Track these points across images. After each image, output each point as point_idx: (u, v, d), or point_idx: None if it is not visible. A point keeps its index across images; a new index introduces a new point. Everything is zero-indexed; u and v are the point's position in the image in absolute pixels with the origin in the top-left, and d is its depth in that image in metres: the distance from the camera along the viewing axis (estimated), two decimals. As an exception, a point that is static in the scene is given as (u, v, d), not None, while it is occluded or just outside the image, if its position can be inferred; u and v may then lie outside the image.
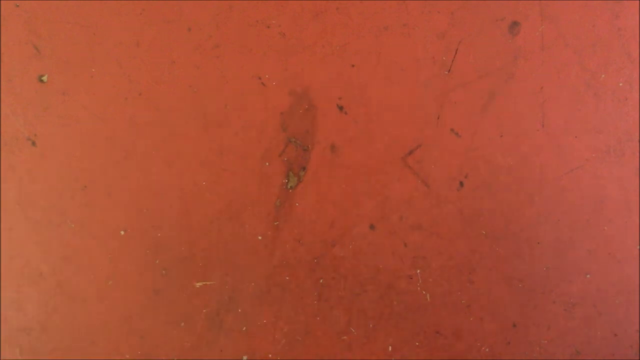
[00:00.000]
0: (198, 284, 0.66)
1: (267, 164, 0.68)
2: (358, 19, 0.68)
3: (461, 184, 0.68)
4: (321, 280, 0.67)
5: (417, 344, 0.68)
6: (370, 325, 0.67)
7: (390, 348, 0.67)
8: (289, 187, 0.68)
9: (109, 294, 0.65)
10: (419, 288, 0.68)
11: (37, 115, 0.65)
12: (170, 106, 0.67)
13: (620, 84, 0.68)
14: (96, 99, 0.66)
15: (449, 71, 0.68)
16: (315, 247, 0.67)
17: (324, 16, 0.68)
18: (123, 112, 0.66)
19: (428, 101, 0.68)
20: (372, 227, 0.67)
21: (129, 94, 0.66)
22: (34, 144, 0.65)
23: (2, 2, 0.65)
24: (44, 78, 0.65)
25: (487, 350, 0.68)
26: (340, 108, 0.68)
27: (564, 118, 0.68)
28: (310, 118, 0.68)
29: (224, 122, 0.67)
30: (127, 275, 0.65)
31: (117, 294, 0.65)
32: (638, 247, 0.68)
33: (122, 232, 0.66)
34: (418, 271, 0.68)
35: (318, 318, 0.67)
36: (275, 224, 0.67)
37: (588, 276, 0.68)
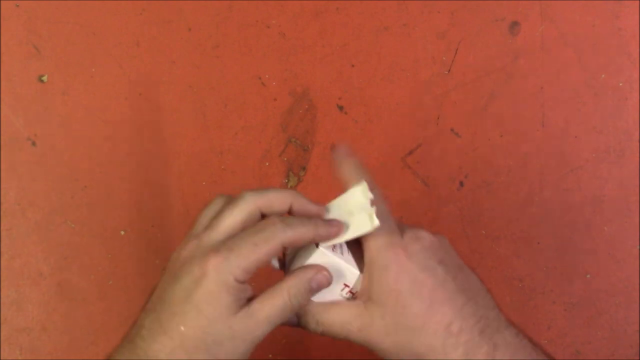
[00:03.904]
0: (198, 284, 0.66)
1: (267, 164, 0.68)
2: (358, 19, 0.68)
3: (461, 184, 0.68)
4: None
5: (417, 344, 0.67)
6: (370, 325, 0.67)
7: (390, 348, 0.67)
8: (289, 187, 0.68)
9: (109, 294, 0.65)
10: (419, 288, 0.68)
11: (37, 115, 0.65)
12: (170, 106, 0.67)
13: (620, 84, 0.68)
14: (96, 99, 0.66)
15: (448, 71, 0.68)
16: (315, 247, 0.67)
17: (324, 16, 0.68)
18: (123, 112, 0.66)
19: (428, 101, 0.68)
20: (372, 227, 0.67)
21: (129, 94, 0.66)
22: (34, 144, 0.65)
23: (2, 2, 0.65)
24: (44, 78, 0.65)
25: (487, 350, 0.68)
26: (340, 108, 0.68)
27: (564, 118, 0.68)
28: (310, 118, 0.68)
29: (224, 122, 0.67)
30: (127, 275, 0.65)
31: (117, 294, 0.65)
32: (638, 247, 0.68)
33: (122, 232, 0.66)
34: (418, 271, 0.68)
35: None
36: (275, 224, 0.66)
37: (588, 276, 0.68)
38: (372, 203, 0.41)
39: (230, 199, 0.41)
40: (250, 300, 0.39)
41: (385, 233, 0.41)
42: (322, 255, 0.41)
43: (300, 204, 0.41)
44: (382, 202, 0.42)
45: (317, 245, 0.41)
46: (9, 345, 0.63)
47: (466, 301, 0.40)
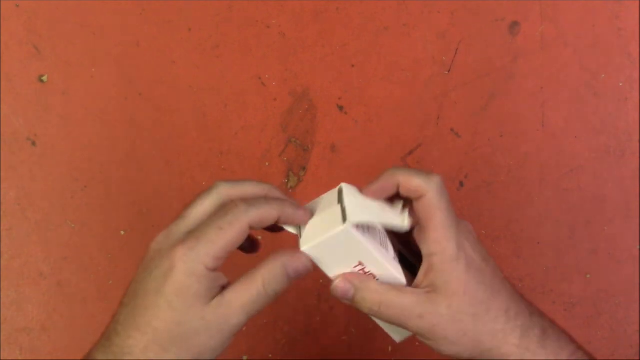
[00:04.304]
0: (198, 284, 0.66)
1: (267, 164, 0.68)
2: (358, 19, 0.68)
3: (461, 184, 0.68)
4: (321, 280, 0.67)
5: (417, 344, 0.67)
6: (370, 326, 0.67)
7: (390, 348, 0.67)
8: (289, 187, 0.68)
9: (109, 294, 0.65)
10: (419, 288, 0.68)
11: (37, 115, 0.65)
12: (170, 106, 0.67)
13: (620, 84, 0.68)
14: (96, 99, 0.66)
15: (448, 71, 0.68)
16: (315, 247, 0.67)
17: (324, 16, 0.68)
18: (123, 112, 0.66)
19: (428, 101, 0.68)
20: (372, 227, 0.67)
21: (129, 94, 0.66)
22: (34, 144, 0.65)
23: (2, 2, 0.65)
24: (44, 78, 0.65)
25: (487, 350, 0.68)
26: (340, 108, 0.68)
27: (564, 118, 0.68)
28: (310, 118, 0.68)
29: (224, 122, 0.67)
30: (127, 275, 0.65)
31: (117, 294, 0.65)
32: (638, 247, 0.68)
33: (122, 232, 0.66)
34: (418, 271, 0.68)
35: (318, 318, 0.67)
36: (275, 224, 0.66)
37: (588, 276, 0.68)
38: (403, 206, 0.41)
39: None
40: (224, 288, 0.39)
41: (453, 225, 0.40)
42: (347, 236, 0.39)
43: (275, 196, 0.41)
44: (445, 193, 0.41)
45: (344, 219, 0.39)
46: (9, 345, 0.63)
47: (512, 288, 0.42)
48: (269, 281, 0.39)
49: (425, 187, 0.40)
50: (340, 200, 0.40)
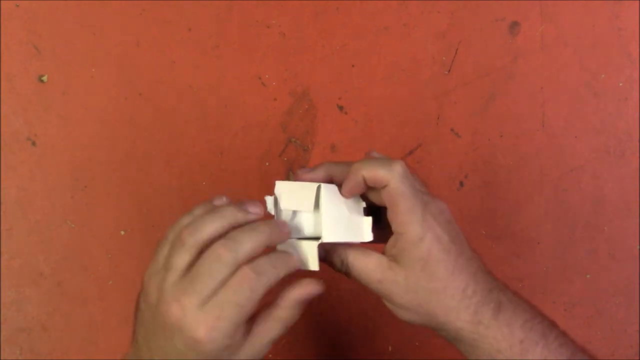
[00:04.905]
0: (198, 284, 0.66)
1: (267, 164, 0.68)
2: (358, 19, 0.68)
3: (461, 184, 0.68)
4: (321, 280, 0.67)
5: (417, 344, 0.68)
6: (370, 326, 0.67)
7: (390, 348, 0.67)
8: (289, 187, 0.68)
9: (109, 294, 0.65)
10: (419, 288, 0.68)
11: (37, 115, 0.65)
12: (170, 106, 0.67)
13: (620, 84, 0.68)
14: (96, 99, 0.66)
15: (448, 71, 0.68)
16: (315, 247, 0.67)
17: (324, 16, 0.68)
18: (123, 112, 0.66)
19: (428, 101, 0.68)
20: (372, 227, 0.67)
21: (129, 94, 0.66)
22: (34, 144, 0.65)
23: (2, 2, 0.65)
24: (44, 78, 0.65)
25: (487, 350, 0.68)
26: (340, 108, 0.68)
27: (564, 118, 0.68)
28: (310, 118, 0.68)
29: (224, 122, 0.67)
30: (127, 275, 0.65)
31: (117, 294, 0.65)
32: (638, 247, 0.68)
33: (122, 232, 0.66)
34: (418, 271, 0.68)
35: (318, 318, 0.67)
36: (275, 224, 0.66)
37: (588, 276, 0.68)
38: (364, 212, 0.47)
39: (175, 238, 0.42)
40: (249, 320, 0.41)
41: (418, 208, 0.43)
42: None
43: (242, 224, 0.43)
44: (408, 177, 0.44)
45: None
46: (9, 345, 0.63)
47: (478, 267, 0.44)
48: (291, 316, 0.43)
49: (387, 177, 0.43)
50: (317, 204, 0.45)
